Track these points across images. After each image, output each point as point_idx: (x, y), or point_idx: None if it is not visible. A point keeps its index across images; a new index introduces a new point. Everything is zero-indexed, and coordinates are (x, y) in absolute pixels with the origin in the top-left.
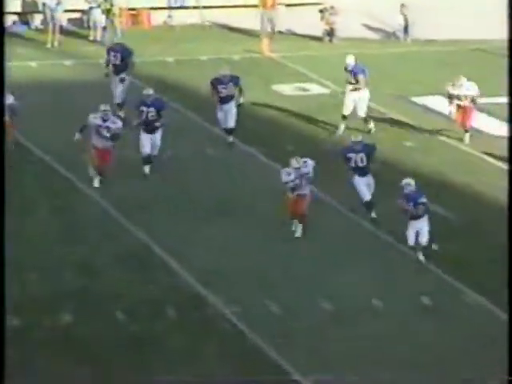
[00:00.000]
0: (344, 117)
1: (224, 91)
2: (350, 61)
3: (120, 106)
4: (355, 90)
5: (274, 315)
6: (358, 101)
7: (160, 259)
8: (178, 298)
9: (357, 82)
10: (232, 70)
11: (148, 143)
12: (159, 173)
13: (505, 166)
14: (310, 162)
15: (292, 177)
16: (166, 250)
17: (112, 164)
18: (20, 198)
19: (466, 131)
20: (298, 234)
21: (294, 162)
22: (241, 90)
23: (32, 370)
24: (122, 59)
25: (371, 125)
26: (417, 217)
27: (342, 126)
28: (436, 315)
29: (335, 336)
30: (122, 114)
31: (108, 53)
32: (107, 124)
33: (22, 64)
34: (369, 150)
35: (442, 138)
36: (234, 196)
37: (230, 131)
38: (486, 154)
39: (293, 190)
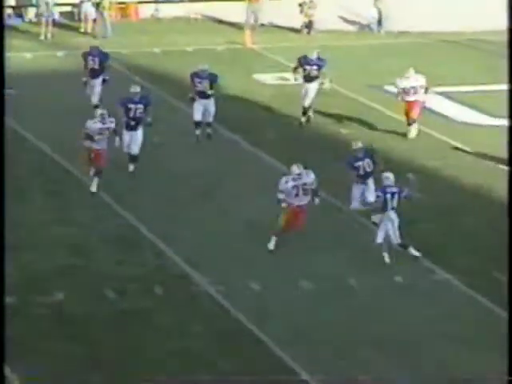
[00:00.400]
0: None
1: (199, 86)
2: (315, 55)
3: (97, 106)
4: (311, 81)
5: (256, 294)
6: (308, 90)
7: (148, 240)
8: (165, 278)
9: (318, 74)
10: (216, 60)
11: (128, 141)
12: (147, 159)
13: (472, 151)
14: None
15: (289, 185)
16: (153, 231)
17: (106, 164)
18: (15, 183)
19: (409, 124)
20: (271, 246)
21: (295, 168)
22: (214, 89)
23: (25, 346)
24: (100, 63)
25: (308, 116)
26: (392, 208)
27: (309, 114)
28: (410, 294)
29: (313, 313)
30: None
31: (85, 57)
32: (107, 125)
33: (17, 55)
34: (371, 154)
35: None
36: (219, 181)
37: (207, 125)
38: (455, 140)
39: (283, 200)
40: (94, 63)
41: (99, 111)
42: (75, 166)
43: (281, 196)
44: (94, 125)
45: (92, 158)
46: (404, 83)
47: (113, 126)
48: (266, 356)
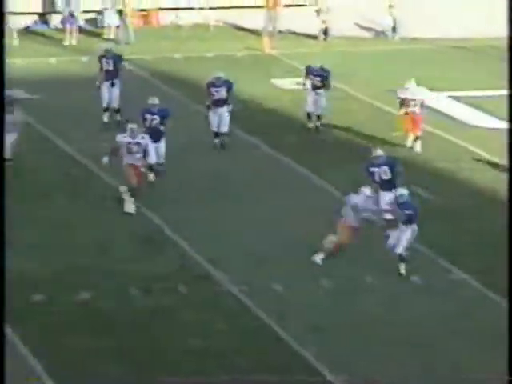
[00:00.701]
0: (309, 115)
1: (216, 94)
2: (318, 65)
3: (118, 110)
4: (318, 90)
5: (278, 293)
6: (318, 99)
7: (172, 241)
8: (189, 277)
9: (323, 83)
10: (235, 66)
11: (153, 152)
12: (169, 162)
13: (485, 154)
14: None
15: (368, 205)
16: (177, 232)
17: (143, 182)
18: (41, 185)
19: (417, 138)
20: (318, 259)
21: (367, 190)
22: (230, 96)
23: (52, 342)
24: (114, 64)
25: (319, 123)
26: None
27: (311, 125)
28: (426, 293)
29: (332, 311)
30: (119, 118)
31: (100, 60)
32: (137, 140)
33: (43, 60)
34: (391, 163)
35: (429, 129)
36: (239, 183)
37: (222, 135)
38: (469, 143)
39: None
40: (108, 65)
41: (129, 125)
42: (99, 167)
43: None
44: (122, 139)
45: (131, 173)
46: (405, 94)
47: (143, 142)
48: (287, 355)
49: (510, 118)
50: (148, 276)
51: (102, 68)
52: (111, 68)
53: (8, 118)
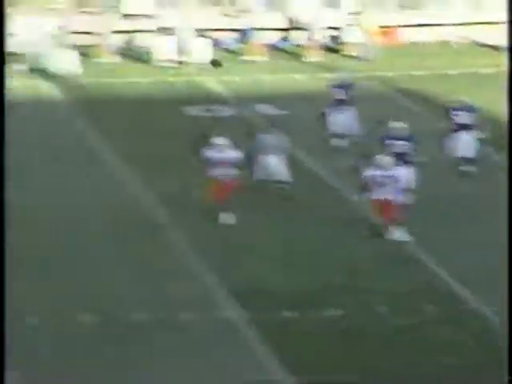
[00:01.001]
0: None
1: (455, 118)
2: None
3: (342, 136)
4: None
5: None
6: None
7: (416, 258)
8: (435, 294)
9: None
10: (479, 84)
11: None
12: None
13: None
14: None
15: None
16: (420, 249)
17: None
18: (285, 204)
19: None
20: None
21: None
22: (474, 122)
23: (307, 361)
24: (347, 93)
25: None
26: None
27: None
28: None
29: None
30: (357, 140)
31: (332, 89)
32: (388, 173)
33: (285, 76)
34: None
35: None
36: (485, 203)
37: (467, 161)
38: None
39: None
40: (340, 94)
41: (379, 157)
42: (350, 190)
43: None
44: (371, 172)
45: (382, 209)
46: None
47: (396, 173)
48: None
49: (510, 117)
50: (394, 294)
51: (333, 97)
52: (344, 97)
53: (275, 139)
